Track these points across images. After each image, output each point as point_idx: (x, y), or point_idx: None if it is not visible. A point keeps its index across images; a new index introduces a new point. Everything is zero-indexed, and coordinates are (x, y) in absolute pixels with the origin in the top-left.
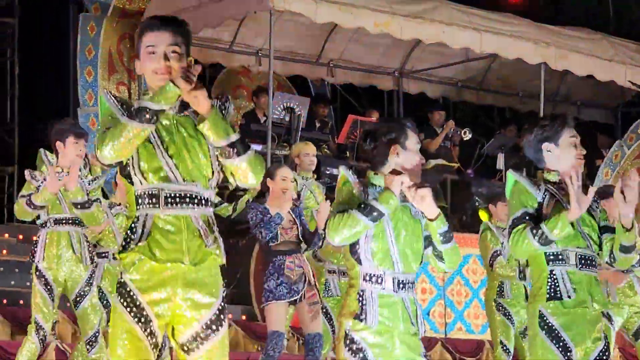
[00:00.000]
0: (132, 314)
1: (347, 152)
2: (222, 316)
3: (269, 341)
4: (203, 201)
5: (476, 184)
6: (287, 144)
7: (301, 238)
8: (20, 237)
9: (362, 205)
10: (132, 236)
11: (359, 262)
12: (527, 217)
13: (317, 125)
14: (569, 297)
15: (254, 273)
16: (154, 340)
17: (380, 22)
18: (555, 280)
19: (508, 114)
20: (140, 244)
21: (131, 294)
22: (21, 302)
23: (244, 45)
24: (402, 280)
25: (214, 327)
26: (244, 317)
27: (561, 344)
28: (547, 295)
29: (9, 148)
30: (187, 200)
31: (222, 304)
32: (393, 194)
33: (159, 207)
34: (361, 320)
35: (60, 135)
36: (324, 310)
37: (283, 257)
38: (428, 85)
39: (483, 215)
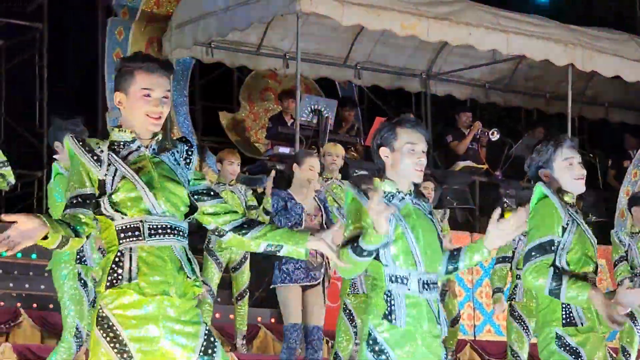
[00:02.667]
0: (115, 350)
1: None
2: (212, 338)
3: (289, 334)
4: (182, 233)
5: (504, 186)
6: (314, 146)
7: (325, 226)
8: None
9: (354, 245)
10: (120, 272)
11: (383, 264)
12: (552, 247)
13: (345, 127)
14: (582, 324)
15: None
16: None
17: (407, 24)
18: (569, 307)
19: (535, 115)
20: (133, 281)
21: (114, 328)
22: (51, 306)
23: (271, 48)
24: (426, 281)
25: (209, 351)
26: (272, 320)
27: (580, 358)
28: (563, 322)
29: (37, 153)
30: (168, 231)
31: (207, 327)
32: (378, 234)
33: (143, 239)
34: (390, 321)
35: (61, 135)
36: (344, 306)
37: None
38: (455, 87)
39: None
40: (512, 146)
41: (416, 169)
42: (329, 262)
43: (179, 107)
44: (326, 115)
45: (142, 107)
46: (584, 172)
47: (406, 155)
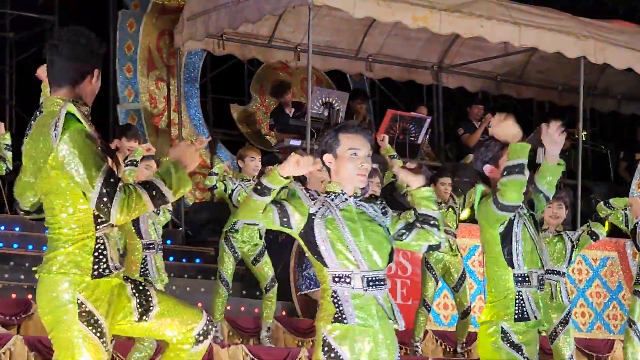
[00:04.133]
0: (95, 332)
1: None
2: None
3: None
4: None
5: None
6: None
7: None
8: None
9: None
10: (105, 260)
11: (325, 265)
12: None
13: (356, 120)
14: (536, 317)
15: (293, 269)
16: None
17: (419, 17)
18: (522, 302)
19: (547, 108)
20: (122, 269)
21: (99, 322)
22: None
23: (283, 40)
24: (371, 278)
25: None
26: (284, 313)
27: (522, 354)
28: (516, 317)
29: None
30: None
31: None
32: (277, 174)
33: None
34: (340, 321)
35: None
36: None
37: None
38: (467, 79)
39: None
40: (523, 139)
41: (359, 174)
42: None
43: (190, 99)
44: (337, 107)
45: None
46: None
47: (348, 160)
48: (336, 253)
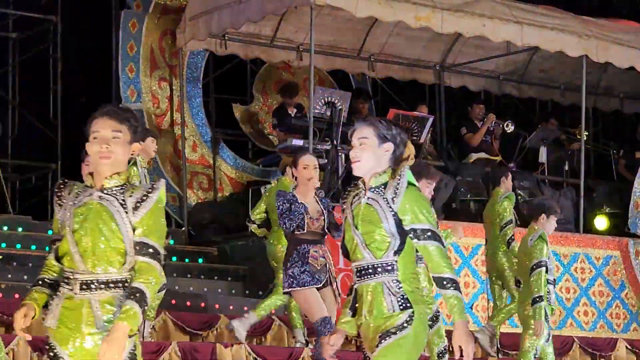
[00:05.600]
0: None
1: None
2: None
3: (322, 329)
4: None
5: (518, 178)
6: (328, 138)
7: (326, 230)
8: None
9: None
10: None
11: None
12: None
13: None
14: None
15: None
16: None
17: (421, 16)
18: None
19: (550, 107)
20: None
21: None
22: None
23: (285, 40)
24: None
25: None
26: (286, 312)
27: None
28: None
29: (52, 145)
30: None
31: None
32: None
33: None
34: None
35: None
36: None
37: (307, 245)
38: (469, 78)
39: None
40: (526, 138)
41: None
42: (332, 264)
43: (193, 99)
44: (339, 107)
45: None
46: (354, 155)
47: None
48: None
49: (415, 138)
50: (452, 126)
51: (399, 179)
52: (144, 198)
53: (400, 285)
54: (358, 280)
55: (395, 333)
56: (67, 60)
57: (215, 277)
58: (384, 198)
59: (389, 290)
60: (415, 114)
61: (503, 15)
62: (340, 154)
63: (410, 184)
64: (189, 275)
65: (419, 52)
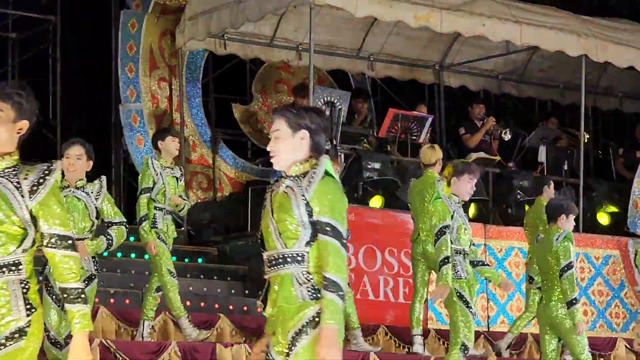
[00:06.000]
0: None
1: (388, 146)
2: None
3: None
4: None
5: (518, 177)
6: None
7: None
8: None
9: None
10: None
11: None
12: None
13: (358, 119)
14: None
15: None
16: None
17: (420, 16)
18: None
19: (549, 106)
20: None
21: None
22: None
23: (284, 39)
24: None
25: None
26: None
27: None
28: None
29: (50, 145)
30: None
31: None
32: None
33: None
34: None
35: None
36: (458, 293)
37: None
38: (469, 78)
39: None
40: (525, 137)
41: None
42: None
43: (192, 99)
44: (339, 107)
45: None
46: (270, 149)
47: None
48: None
49: (414, 138)
50: (451, 126)
51: (316, 168)
52: (41, 181)
53: (310, 276)
54: (268, 271)
55: (307, 333)
56: (67, 60)
57: (215, 277)
58: (299, 186)
59: (297, 280)
60: (414, 114)
61: (502, 15)
62: (339, 153)
63: (327, 174)
64: (188, 275)
65: (419, 51)
